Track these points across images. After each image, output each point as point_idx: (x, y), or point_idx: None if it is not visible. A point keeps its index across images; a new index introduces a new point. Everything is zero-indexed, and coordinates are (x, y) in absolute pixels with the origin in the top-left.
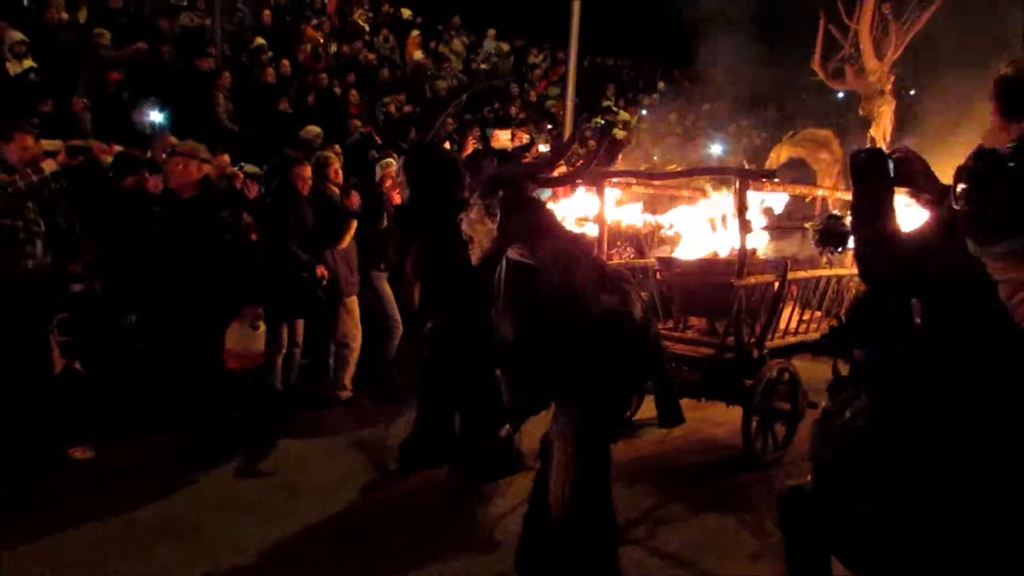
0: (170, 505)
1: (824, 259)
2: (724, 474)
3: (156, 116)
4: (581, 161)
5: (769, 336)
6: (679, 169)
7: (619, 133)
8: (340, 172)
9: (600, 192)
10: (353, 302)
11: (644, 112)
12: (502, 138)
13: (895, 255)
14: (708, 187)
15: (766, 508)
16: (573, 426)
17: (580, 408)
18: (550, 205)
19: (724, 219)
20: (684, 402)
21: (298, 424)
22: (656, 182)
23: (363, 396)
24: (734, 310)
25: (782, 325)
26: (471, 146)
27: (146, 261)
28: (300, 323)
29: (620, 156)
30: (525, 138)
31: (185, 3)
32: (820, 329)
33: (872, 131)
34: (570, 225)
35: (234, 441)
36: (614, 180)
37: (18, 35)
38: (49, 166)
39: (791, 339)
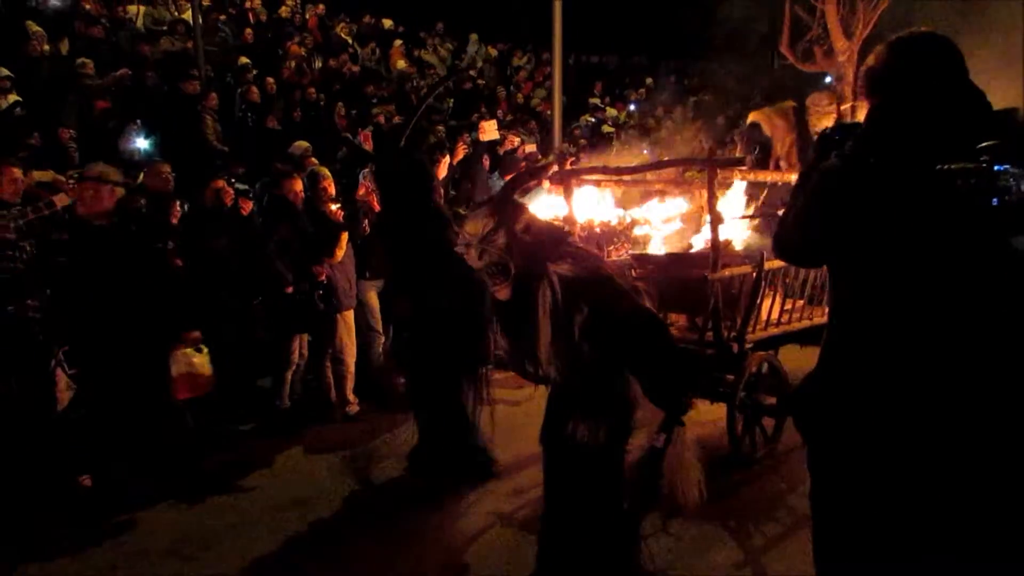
0: (182, 526)
1: None
2: (710, 476)
3: (143, 142)
4: (571, 159)
5: (750, 329)
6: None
7: (607, 129)
8: (332, 186)
9: (568, 191)
10: (350, 315)
11: (632, 108)
12: (489, 129)
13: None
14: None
15: (752, 511)
16: (674, 424)
17: (669, 407)
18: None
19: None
20: None
21: (305, 439)
22: (626, 177)
23: (370, 408)
24: (711, 304)
25: (763, 317)
26: (461, 152)
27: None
28: (304, 337)
29: (614, 152)
30: (516, 141)
31: (166, 28)
32: (804, 318)
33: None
34: None
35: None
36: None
37: (2, 71)
38: (62, 200)
39: (774, 330)
